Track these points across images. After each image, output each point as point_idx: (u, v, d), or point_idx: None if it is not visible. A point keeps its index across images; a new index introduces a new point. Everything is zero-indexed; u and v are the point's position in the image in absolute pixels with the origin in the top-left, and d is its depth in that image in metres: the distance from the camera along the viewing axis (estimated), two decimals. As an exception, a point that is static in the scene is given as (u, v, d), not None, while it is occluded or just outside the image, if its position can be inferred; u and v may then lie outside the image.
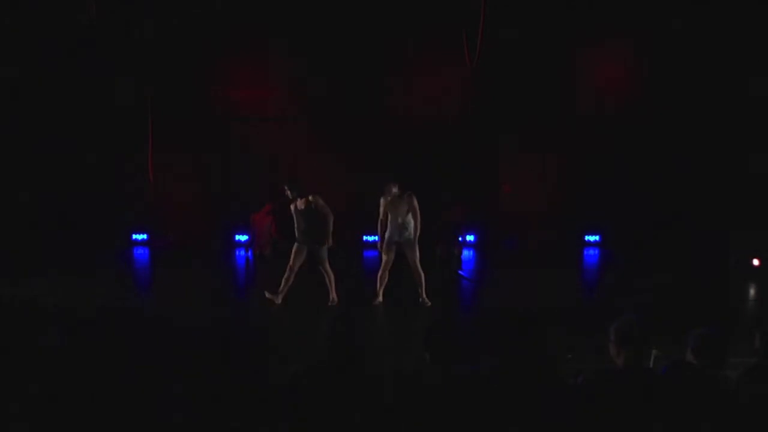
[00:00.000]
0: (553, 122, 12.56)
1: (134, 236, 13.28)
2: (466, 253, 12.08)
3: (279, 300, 8.57)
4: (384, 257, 8.79)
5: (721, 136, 12.24)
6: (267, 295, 8.58)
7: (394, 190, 8.69)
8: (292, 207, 8.60)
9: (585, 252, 13.14)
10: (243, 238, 12.84)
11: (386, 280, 8.76)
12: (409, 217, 8.64)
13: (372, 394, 3.64)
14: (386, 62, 12.37)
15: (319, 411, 3.57)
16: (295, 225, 8.59)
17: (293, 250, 8.60)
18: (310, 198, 8.48)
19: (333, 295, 8.70)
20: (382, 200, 8.74)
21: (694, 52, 12.01)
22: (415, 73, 12.32)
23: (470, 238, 12.97)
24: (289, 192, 8.55)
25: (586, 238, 13.39)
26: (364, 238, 13.07)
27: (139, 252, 12.94)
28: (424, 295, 8.74)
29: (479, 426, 3.48)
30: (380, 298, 8.77)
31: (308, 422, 3.57)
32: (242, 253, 12.20)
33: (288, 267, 8.55)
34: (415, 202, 8.63)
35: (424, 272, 8.76)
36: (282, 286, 8.54)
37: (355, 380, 3.66)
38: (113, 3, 11.10)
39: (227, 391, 3.71)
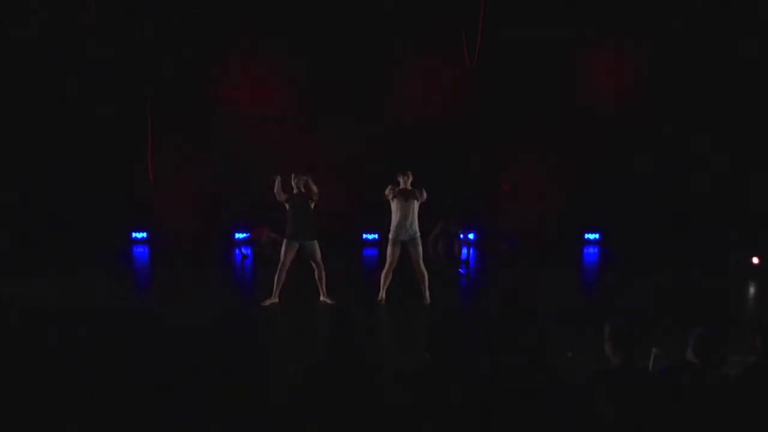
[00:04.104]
0: (553, 122, 12.56)
1: (134, 235, 13.30)
2: (465, 251, 12.06)
3: (276, 299, 8.56)
4: (389, 257, 8.69)
5: (721, 137, 12.25)
6: (265, 303, 8.55)
7: (409, 180, 8.51)
8: (284, 200, 8.43)
9: (585, 250, 13.15)
10: (242, 236, 12.85)
11: (390, 279, 8.71)
12: (416, 213, 8.52)
13: (372, 394, 3.64)
14: (386, 62, 12.37)
15: (320, 410, 3.57)
16: (288, 220, 8.50)
17: (284, 248, 8.56)
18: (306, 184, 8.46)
19: (324, 290, 8.66)
20: (388, 191, 8.54)
21: (694, 52, 12.02)
22: (415, 73, 12.32)
23: (470, 236, 12.97)
24: (296, 180, 8.47)
25: (586, 236, 13.41)
26: (364, 236, 13.09)
27: (139, 250, 12.94)
28: (427, 294, 8.72)
29: (479, 426, 3.48)
30: (383, 296, 8.72)
31: (308, 421, 3.57)
32: (243, 252, 12.19)
33: (279, 266, 8.52)
34: (426, 195, 8.51)
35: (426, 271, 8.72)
36: (275, 286, 8.53)
37: (356, 380, 3.66)
38: (113, 3, 11.11)
39: (227, 390, 3.72)
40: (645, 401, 3.44)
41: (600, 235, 13.49)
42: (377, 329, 7.64)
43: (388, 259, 8.69)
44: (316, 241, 8.51)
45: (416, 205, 8.51)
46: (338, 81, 12.45)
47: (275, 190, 8.43)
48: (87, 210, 12.32)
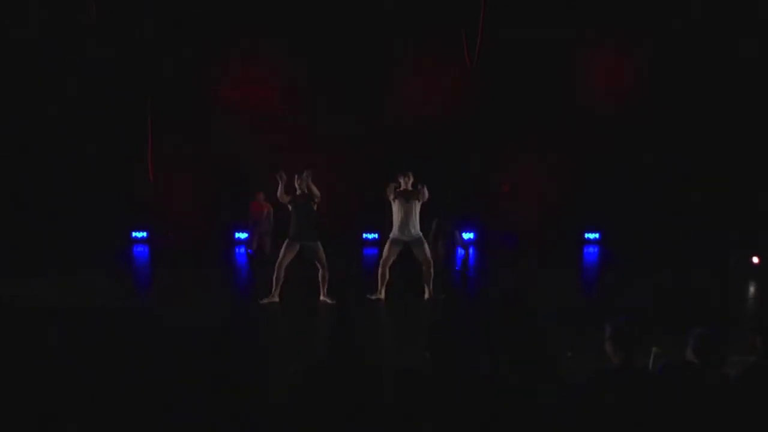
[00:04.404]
0: (553, 122, 12.56)
1: (134, 234, 13.29)
2: (462, 252, 12.10)
3: (276, 298, 8.57)
4: (386, 252, 8.69)
5: (721, 136, 12.25)
6: (263, 301, 8.56)
7: (410, 181, 8.55)
8: (287, 201, 8.47)
9: (585, 250, 13.15)
10: (243, 236, 12.84)
11: (387, 277, 8.71)
12: (418, 214, 8.53)
13: (372, 393, 3.64)
14: (386, 62, 12.37)
15: (320, 410, 3.57)
16: (291, 220, 8.51)
17: (284, 246, 8.55)
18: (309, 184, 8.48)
19: (324, 290, 8.67)
20: (389, 192, 8.55)
21: (694, 52, 12.02)
22: (415, 73, 12.32)
23: (469, 236, 12.99)
24: (300, 182, 8.50)
25: (586, 236, 13.40)
26: (364, 236, 13.09)
27: (139, 249, 12.94)
28: (429, 289, 8.71)
29: (479, 425, 3.48)
30: (382, 295, 8.72)
31: (308, 421, 3.57)
32: (242, 250, 12.19)
33: (276, 264, 8.53)
34: (426, 192, 8.50)
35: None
36: (274, 286, 8.54)
37: (356, 380, 3.66)
38: (113, 3, 11.12)
39: (227, 390, 3.71)
40: (645, 401, 3.45)
41: (600, 235, 13.48)
42: (377, 329, 7.64)
43: (384, 254, 8.71)
44: (318, 242, 8.53)
45: (417, 205, 8.53)
46: (338, 81, 12.44)
47: (278, 193, 8.44)
48: (87, 210, 12.31)
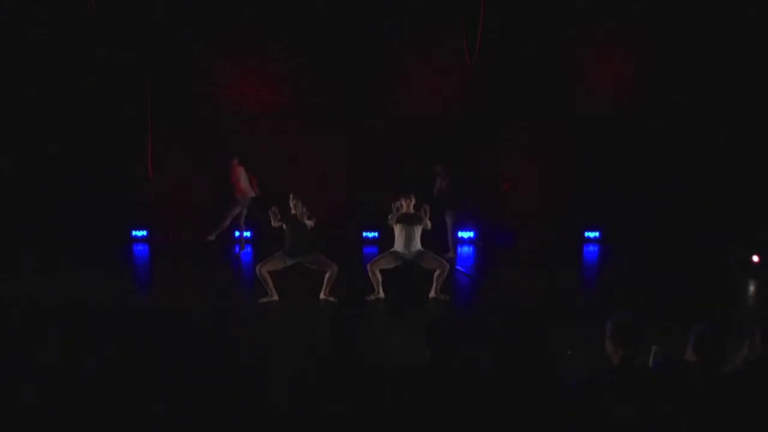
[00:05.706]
0: (553, 121, 12.54)
1: (134, 233, 13.28)
2: (465, 249, 12.09)
3: (275, 297, 8.59)
4: (379, 256, 8.81)
5: (720, 135, 12.23)
6: (263, 300, 8.59)
7: (411, 204, 8.65)
8: (278, 222, 8.56)
9: (585, 249, 13.13)
10: (246, 234, 12.80)
11: (379, 276, 8.70)
12: (419, 236, 8.63)
13: (372, 394, 3.64)
14: (386, 62, 12.34)
15: (320, 410, 3.57)
16: (286, 238, 8.60)
17: (274, 255, 8.61)
18: (303, 215, 8.62)
19: (327, 290, 8.69)
20: (391, 218, 8.64)
21: (694, 51, 12.00)
22: (415, 70, 12.29)
23: (468, 234, 12.99)
24: (294, 202, 8.60)
25: (586, 234, 13.38)
26: (364, 234, 13.08)
27: (139, 248, 12.93)
28: (436, 288, 8.72)
29: (479, 426, 3.48)
30: (381, 294, 8.73)
31: (309, 422, 3.57)
32: (245, 249, 12.19)
33: (258, 268, 8.55)
34: (429, 223, 8.58)
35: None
36: (267, 286, 8.58)
37: (356, 380, 3.66)
38: (113, 2, 11.12)
39: (227, 390, 3.72)
40: (646, 399, 3.45)
41: (600, 234, 13.46)
42: (377, 329, 7.64)
43: (377, 257, 8.84)
44: (314, 252, 8.61)
45: (419, 229, 8.58)
46: (338, 80, 12.42)
47: (273, 224, 8.57)
48: (87, 209, 12.30)
